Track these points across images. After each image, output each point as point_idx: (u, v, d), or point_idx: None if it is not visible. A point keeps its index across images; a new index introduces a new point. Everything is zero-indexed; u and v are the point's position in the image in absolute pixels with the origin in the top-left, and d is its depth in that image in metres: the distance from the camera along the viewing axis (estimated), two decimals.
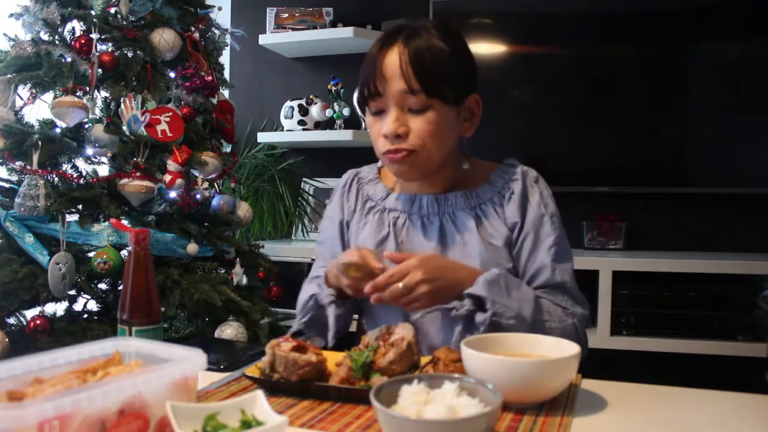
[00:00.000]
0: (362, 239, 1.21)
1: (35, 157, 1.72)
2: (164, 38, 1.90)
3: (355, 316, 1.27)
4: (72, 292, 1.80)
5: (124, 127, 1.82)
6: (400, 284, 0.99)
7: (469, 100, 1.14)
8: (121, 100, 1.82)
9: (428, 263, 1.01)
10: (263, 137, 2.95)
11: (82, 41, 1.80)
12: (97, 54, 1.80)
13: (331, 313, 1.11)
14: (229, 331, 1.84)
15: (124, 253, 1.77)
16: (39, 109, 1.85)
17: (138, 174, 1.77)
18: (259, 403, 0.71)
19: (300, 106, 2.86)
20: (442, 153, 1.11)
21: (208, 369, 0.97)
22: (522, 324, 1.01)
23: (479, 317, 1.01)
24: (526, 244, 1.14)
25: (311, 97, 2.87)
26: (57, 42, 1.83)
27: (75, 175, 1.80)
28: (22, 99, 1.83)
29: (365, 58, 1.11)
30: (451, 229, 1.16)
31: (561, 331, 1.05)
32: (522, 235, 1.14)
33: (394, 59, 1.06)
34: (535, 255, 1.13)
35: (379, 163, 1.29)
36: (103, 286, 1.88)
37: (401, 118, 1.07)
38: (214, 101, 2.09)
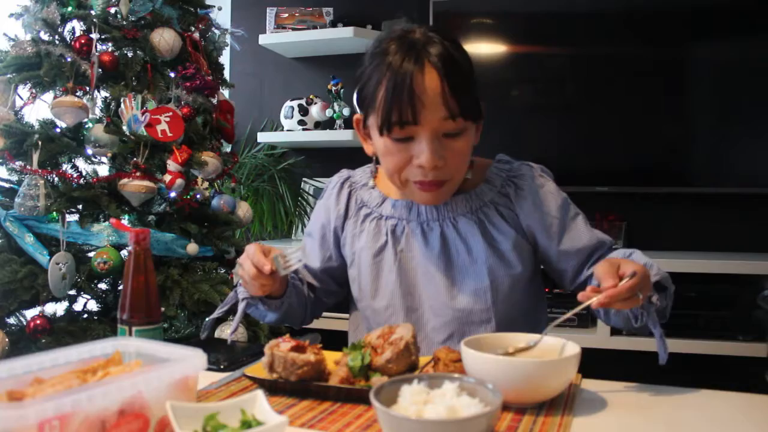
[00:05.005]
0: (359, 248, 1.17)
1: (35, 157, 1.72)
2: (164, 38, 1.90)
3: (346, 315, 1.27)
4: (72, 292, 1.80)
5: (124, 127, 1.81)
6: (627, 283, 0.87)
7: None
8: (121, 100, 1.82)
9: (613, 259, 0.94)
10: (263, 137, 2.95)
11: (82, 41, 1.80)
12: (97, 54, 1.80)
13: (240, 309, 1.10)
14: (229, 331, 1.84)
15: (124, 253, 1.77)
16: (39, 109, 1.85)
17: (138, 174, 1.77)
18: (259, 403, 0.71)
19: (300, 106, 2.86)
20: (466, 171, 1.09)
21: (208, 369, 0.97)
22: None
23: (662, 301, 0.98)
24: (564, 229, 1.12)
25: (311, 97, 2.87)
26: (57, 42, 1.82)
27: (75, 175, 1.80)
28: (22, 99, 1.83)
29: (390, 79, 0.97)
30: (453, 235, 1.12)
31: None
32: (555, 225, 1.11)
33: (433, 85, 0.96)
34: (580, 235, 1.12)
35: (374, 167, 1.22)
36: (103, 286, 1.88)
37: (438, 149, 1.00)
38: (214, 101, 2.09)
